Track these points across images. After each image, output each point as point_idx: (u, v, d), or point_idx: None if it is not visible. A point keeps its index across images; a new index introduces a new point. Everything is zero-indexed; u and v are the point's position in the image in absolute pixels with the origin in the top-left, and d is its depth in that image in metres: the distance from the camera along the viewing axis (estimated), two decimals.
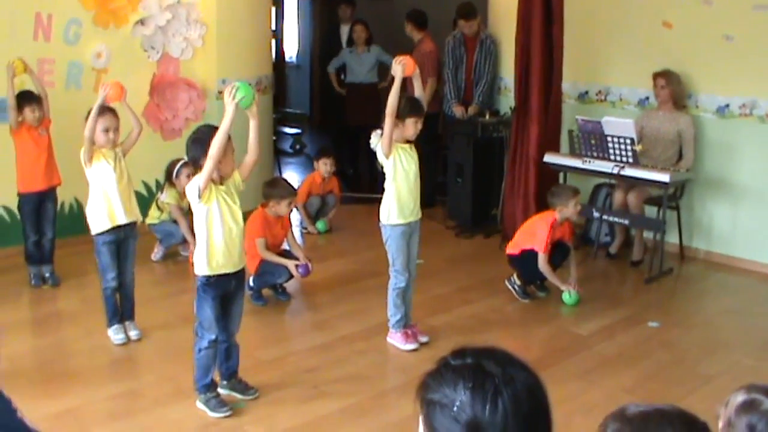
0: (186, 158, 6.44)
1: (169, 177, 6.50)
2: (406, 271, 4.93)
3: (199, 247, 4.00)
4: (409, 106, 4.71)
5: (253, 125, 4.07)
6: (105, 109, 4.75)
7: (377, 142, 4.77)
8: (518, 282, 5.93)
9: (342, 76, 9.95)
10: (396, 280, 4.95)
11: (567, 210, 5.76)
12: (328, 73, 10.06)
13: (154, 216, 6.60)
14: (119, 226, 4.86)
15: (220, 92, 7.42)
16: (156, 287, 6.00)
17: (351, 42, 9.81)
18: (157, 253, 6.60)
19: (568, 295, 5.77)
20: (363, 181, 9.63)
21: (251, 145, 4.10)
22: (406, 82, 4.83)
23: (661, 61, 6.91)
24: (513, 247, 5.95)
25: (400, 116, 4.68)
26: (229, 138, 3.86)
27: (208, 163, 3.79)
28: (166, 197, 6.50)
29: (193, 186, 3.88)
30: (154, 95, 7.22)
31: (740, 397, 1.98)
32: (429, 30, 8.70)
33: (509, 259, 5.99)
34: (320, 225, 7.60)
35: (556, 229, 5.78)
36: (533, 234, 5.81)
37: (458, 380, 1.49)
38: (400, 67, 4.68)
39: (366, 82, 9.63)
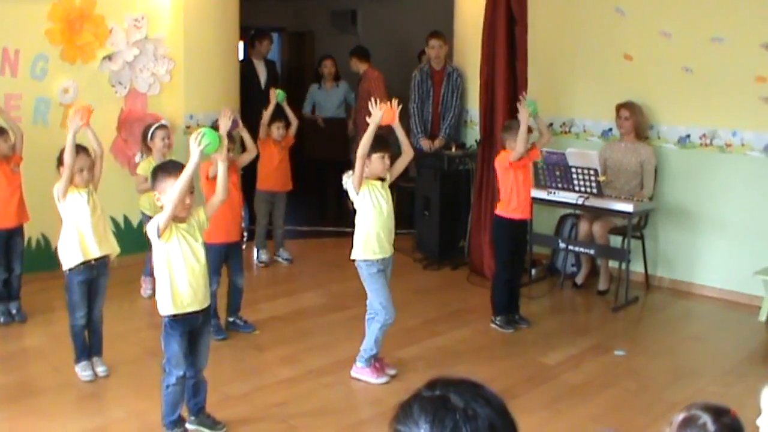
0: (162, 121, 6.47)
1: (144, 139, 6.44)
2: (391, 306, 4.95)
3: (162, 287, 3.97)
4: (372, 143, 4.75)
5: (221, 168, 4.11)
6: (79, 149, 4.74)
7: (348, 180, 4.82)
8: (497, 319, 5.98)
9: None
10: (386, 317, 4.94)
11: (513, 145, 5.66)
12: (305, 116, 9.69)
13: (146, 205, 6.40)
14: (92, 262, 4.83)
15: (188, 127, 7.48)
16: (123, 322, 5.96)
17: (318, 78, 9.81)
18: (146, 289, 6.54)
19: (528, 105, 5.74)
20: (330, 214, 9.64)
21: (219, 186, 4.13)
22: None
23: (623, 93, 7.04)
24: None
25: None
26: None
27: (168, 206, 3.79)
28: (141, 167, 6.33)
29: (152, 225, 3.88)
30: (122, 131, 7.23)
31: (681, 415, 2.07)
32: (371, 62, 9.36)
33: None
34: (279, 95, 7.33)
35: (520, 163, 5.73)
36: (503, 189, 5.85)
37: (422, 413, 1.50)
38: (381, 113, 4.73)
39: (334, 118, 9.66)
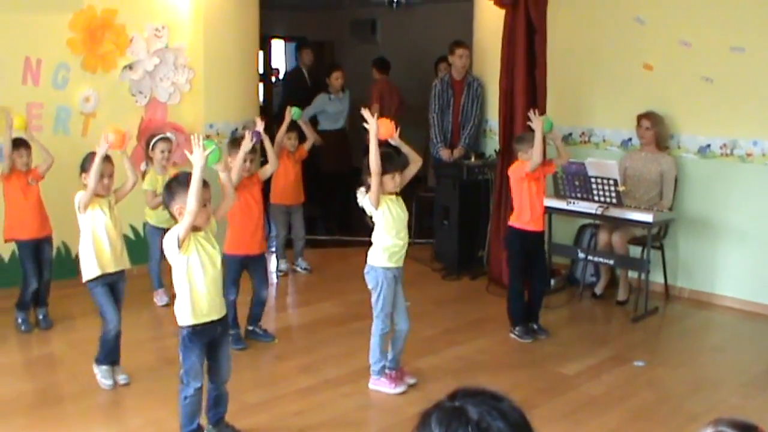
0: (166, 134, 6.50)
1: (147, 148, 6.48)
2: (388, 317, 4.95)
3: (182, 297, 3.95)
4: (384, 164, 4.73)
5: (223, 176, 4.11)
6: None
7: (363, 198, 4.82)
8: (516, 329, 5.98)
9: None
10: (383, 325, 4.95)
11: (527, 155, 5.70)
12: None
13: (151, 215, 6.50)
14: (109, 273, 4.87)
15: (208, 136, 7.51)
16: (140, 331, 5.97)
17: (325, 88, 9.71)
18: (162, 298, 6.60)
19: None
20: (342, 225, 9.61)
21: (227, 191, 4.16)
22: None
23: (643, 103, 7.02)
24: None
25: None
26: (207, 186, 3.88)
27: (187, 218, 3.75)
28: (146, 182, 6.36)
29: (171, 237, 3.84)
30: (142, 139, 7.26)
31: (707, 431, 2.03)
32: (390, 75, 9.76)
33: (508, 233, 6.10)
34: (295, 113, 7.21)
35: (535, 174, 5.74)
36: (516, 200, 5.87)
37: (437, 424, 1.52)
38: (375, 128, 4.71)
39: (340, 128, 9.63)
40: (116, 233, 4.89)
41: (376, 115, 4.82)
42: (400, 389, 4.97)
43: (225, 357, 4.19)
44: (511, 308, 6.02)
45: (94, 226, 4.80)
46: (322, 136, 9.51)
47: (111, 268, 4.86)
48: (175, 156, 7.17)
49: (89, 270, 4.84)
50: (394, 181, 4.80)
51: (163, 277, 6.50)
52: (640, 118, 6.96)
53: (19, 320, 5.95)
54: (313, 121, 9.57)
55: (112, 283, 4.91)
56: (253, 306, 5.84)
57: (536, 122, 5.65)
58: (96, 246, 4.81)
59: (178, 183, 3.93)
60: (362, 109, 4.89)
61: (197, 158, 3.81)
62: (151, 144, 6.40)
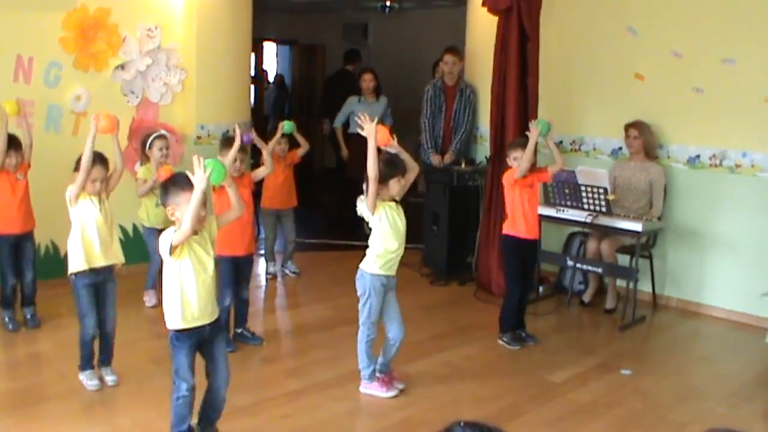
0: (162, 131, 6.49)
1: (143, 147, 6.48)
2: (375, 324, 4.94)
3: (171, 301, 3.90)
4: (389, 168, 4.75)
5: (231, 192, 4.09)
6: (97, 159, 4.73)
7: (361, 204, 4.81)
8: (504, 336, 5.98)
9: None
10: (369, 332, 4.95)
11: (516, 162, 5.70)
12: (335, 129, 9.64)
13: (144, 216, 6.51)
14: (96, 269, 4.84)
15: (199, 137, 7.52)
16: (128, 331, 5.92)
17: (358, 90, 9.57)
18: (150, 299, 6.58)
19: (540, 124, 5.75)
20: (340, 227, 9.60)
21: (233, 204, 4.12)
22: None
23: (634, 112, 7.05)
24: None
25: (383, 180, 4.72)
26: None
27: (178, 236, 3.72)
28: (140, 172, 6.41)
29: (165, 242, 3.78)
30: (133, 140, 7.25)
31: None
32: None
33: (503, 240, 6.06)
34: (287, 126, 7.10)
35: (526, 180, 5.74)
36: (508, 207, 5.86)
37: None
38: (372, 127, 4.71)
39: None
40: (107, 226, 4.84)
41: (376, 120, 4.83)
42: (391, 393, 4.97)
43: (221, 356, 4.11)
44: (505, 315, 6.00)
45: (83, 218, 4.76)
46: (349, 141, 9.36)
47: (99, 263, 4.82)
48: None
49: (75, 262, 4.79)
50: (399, 184, 4.80)
51: (157, 279, 6.48)
52: (627, 127, 7.00)
53: (6, 319, 5.93)
54: (346, 127, 9.53)
55: (98, 283, 4.87)
56: (237, 308, 5.83)
57: (533, 131, 5.66)
58: (84, 239, 4.76)
59: (173, 183, 3.87)
60: (359, 117, 4.87)
61: (199, 180, 3.68)
62: (148, 143, 6.39)
